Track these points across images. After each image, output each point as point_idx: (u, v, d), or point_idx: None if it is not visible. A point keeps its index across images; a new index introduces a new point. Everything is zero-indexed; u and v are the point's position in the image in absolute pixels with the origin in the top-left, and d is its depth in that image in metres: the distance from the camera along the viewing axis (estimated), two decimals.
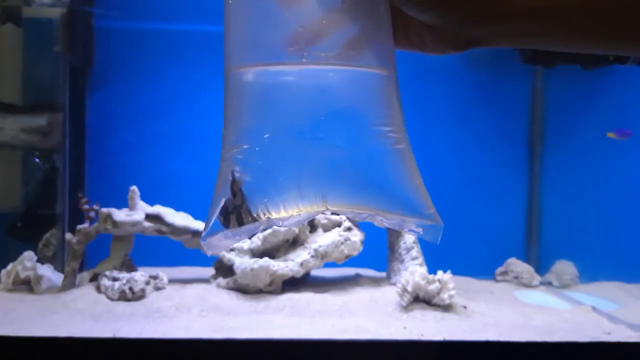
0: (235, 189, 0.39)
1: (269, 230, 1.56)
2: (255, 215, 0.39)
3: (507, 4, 0.37)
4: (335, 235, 1.59)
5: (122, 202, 1.59)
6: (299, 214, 0.39)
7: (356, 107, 0.39)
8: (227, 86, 0.40)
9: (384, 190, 0.40)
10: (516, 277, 1.89)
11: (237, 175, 0.39)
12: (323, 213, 0.38)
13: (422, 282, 1.38)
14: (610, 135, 1.78)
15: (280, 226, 0.41)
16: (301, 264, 1.52)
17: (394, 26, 0.42)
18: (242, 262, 1.49)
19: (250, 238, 1.59)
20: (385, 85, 0.41)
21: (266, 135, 0.39)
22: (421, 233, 0.43)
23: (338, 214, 0.41)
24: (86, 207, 1.57)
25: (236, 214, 0.39)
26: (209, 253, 0.42)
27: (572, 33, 0.38)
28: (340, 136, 0.39)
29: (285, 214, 0.38)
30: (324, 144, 0.39)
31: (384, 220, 0.41)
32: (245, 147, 0.39)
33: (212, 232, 0.41)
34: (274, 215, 0.38)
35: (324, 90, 0.39)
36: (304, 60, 0.38)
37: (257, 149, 0.39)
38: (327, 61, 0.38)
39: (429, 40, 0.42)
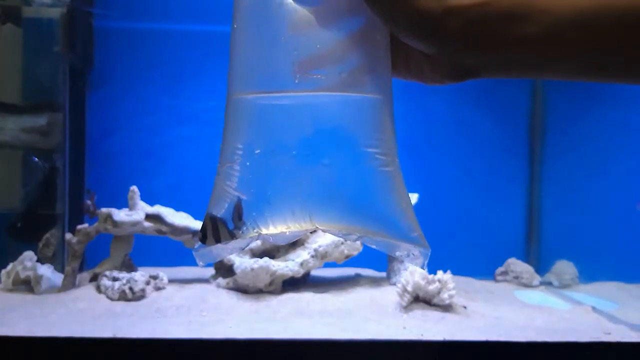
0: (239, 212, 0.40)
1: None
2: (242, 230, 0.40)
3: (501, 33, 0.37)
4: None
5: (122, 202, 1.59)
6: (288, 231, 0.39)
7: (346, 127, 0.40)
8: (228, 108, 0.42)
9: (370, 212, 0.40)
10: (516, 277, 1.89)
11: (241, 198, 0.40)
12: (312, 232, 0.38)
13: (422, 282, 1.38)
14: None
15: (269, 242, 0.42)
16: (301, 264, 1.52)
17: (394, 56, 0.42)
18: (242, 262, 1.49)
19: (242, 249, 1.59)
20: (378, 109, 0.41)
21: (257, 151, 0.40)
22: (407, 258, 0.43)
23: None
24: (89, 204, 1.57)
25: (217, 231, 0.40)
26: (200, 264, 0.43)
27: (567, 64, 0.38)
28: (329, 155, 0.40)
29: (274, 230, 0.39)
30: (312, 162, 0.39)
31: (372, 243, 0.42)
32: (237, 161, 0.40)
33: (202, 246, 0.42)
34: (263, 230, 0.39)
35: (315, 110, 0.40)
36: (301, 87, 0.39)
37: (247, 164, 0.40)
38: (323, 87, 0.39)
39: (427, 70, 0.43)
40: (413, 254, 0.43)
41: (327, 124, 0.40)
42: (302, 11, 0.39)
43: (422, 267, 0.44)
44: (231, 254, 0.45)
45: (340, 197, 0.40)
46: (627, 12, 0.35)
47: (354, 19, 0.40)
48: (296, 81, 0.39)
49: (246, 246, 0.41)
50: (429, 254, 0.42)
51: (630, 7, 0.35)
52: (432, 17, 0.37)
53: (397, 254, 0.43)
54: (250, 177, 0.40)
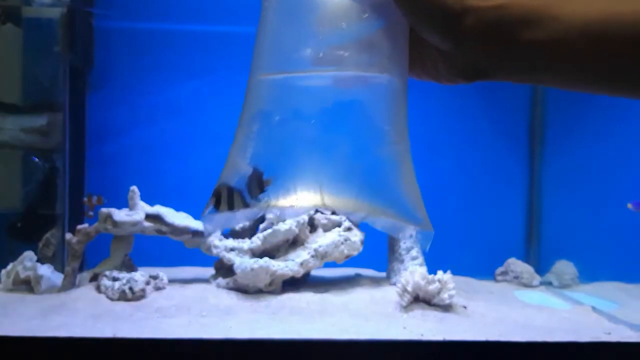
0: (259, 181, 0.41)
1: (269, 230, 1.56)
2: (256, 199, 0.41)
3: (513, 36, 0.39)
4: (335, 235, 1.59)
5: (122, 202, 1.59)
6: (297, 205, 0.41)
7: (364, 103, 0.42)
8: (250, 87, 0.44)
9: (380, 188, 0.42)
10: (516, 277, 1.89)
11: (259, 168, 0.41)
12: (320, 211, 0.39)
13: (422, 282, 1.38)
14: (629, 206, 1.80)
15: (277, 216, 0.44)
16: (301, 264, 1.52)
17: (412, 54, 0.45)
18: (242, 262, 1.49)
19: (250, 237, 1.59)
20: (394, 91, 0.43)
21: (277, 118, 0.42)
22: (410, 239, 0.45)
23: (335, 213, 0.42)
24: (87, 200, 1.57)
25: (231, 199, 0.42)
26: (207, 230, 0.45)
27: (574, 73, 0.39)
28: (346, 126, 0.42)
29: (284, 202, 0.40)
30: (330, 131, 0.41)
31: (376, 223, 0.43)
32: (255, 130, 0.42)
33: (213, 211, 0.43)
34: (273, 202, 0.40)
35: (336, 84, 0.42)
36: (325, 66, 0.42)
37: (265, 132, 0.42)
38: (345, 66, 0.42)
39: (442, 68, 0.45)
40: (415, 235, 0.45)
41: (346, 97, 0.42)
42: (330, 1, 0.42)
43: (425, 250, 0.46)
44: (237, 224, 0.47)
45: (353, 170, 0.41)
46: (634, 29, 0.35)
47: (378, 10, 0.42)
48: (320, 61, 0.41)
49: (254, 218, 0.43)
50: (432, 236, 0.44)
51: (638, 22, 0.35)
52: (451, 13, 0.40)
53: (400, 235, 0.45)
54: (267, 146, 0.42)
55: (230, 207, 0.41)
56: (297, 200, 0.40)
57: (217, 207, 0.42)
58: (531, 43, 0.39)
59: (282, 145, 0.41)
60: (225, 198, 0.41)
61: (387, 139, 0.42)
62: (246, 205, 0.41)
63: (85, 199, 1.58)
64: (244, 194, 0.41)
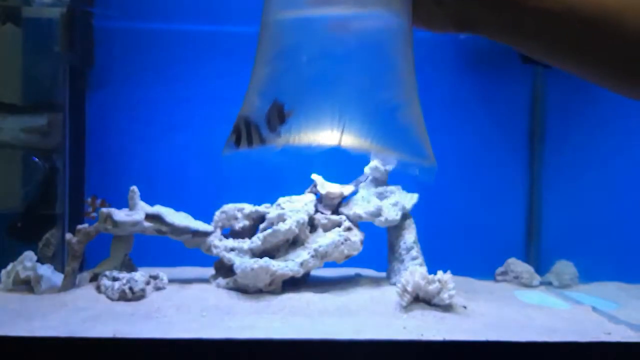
0: (280, 113, 0.42)
1: (269, 230, 1.56)
2: (271, 134, 0.42)
3: None
4: (335, 235, 1.59)
5: (122, 202, 1.59)
6: (314, 143, 0.42)
7: (380, 42, 0.44)
8: (264, 30, 0.45)
9: (392, 129, 0.45)
10: (516, 277, 1.89)
11: (280, 101, 0.43)
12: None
13: (422, 282, 1.38)
14: None
15: (294, 149, 0.45)
16: (301, 264, 1.52)
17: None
18: (242, 262, 1.49)
19: (250, 237, 1.59)
20: (401, 28, 0.45)
21: (297, 56, 0.44)
22: (414, 171, 0.47)
23: (349, 151, 0.45)
24: (90, 202, 1.57)
25: (250, 135, 0.42)
26: (226, 166, 0.46)
27: (554, 44, 0.42)
28: (362, 59, 0.44)
29: (298, 138, 0.41)
30: (345, 72, 0.43)
31: (385, 159, 0.46)
32: (273, 66, 0.44)
33: (233, 148, 0.46)
34: (291, 137, 0.41)
35: (347, 21, 0.44)
36: (338, 5, 0.44)
37: (284, 67, 0.44)
38: (356, 6, 0.44)
39: (436, 15, 0.47)
40: (421, 172, 0.47)
41: (363, 37, 0.44)
42: None
43: (430, 183, 0.49)
44: (255, 150, 0.48)
45: (369, 109, 0.43)
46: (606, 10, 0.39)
47: None
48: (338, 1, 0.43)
49: (272, 151, 0.45)
50: (435, 169, 0.46)
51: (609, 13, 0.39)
52: None
53: (408, 170, 0.47)
54: (287, 79, 0.44)
55: (250, 142, 0.42)
56: (316, 137, 0.41)
57: (237, 143, 0.42)
58: (521, 4, 0.40)
59: (301, 81, 0.43)
60: (245, 134, 0.42)
61: (403, 70, 0.44)
62: (263, 140, 0.42)
63: (89, 200, 1.58)
64: (261, 128, 0.41)
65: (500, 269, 1.93)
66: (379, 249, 1.69)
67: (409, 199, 1.67)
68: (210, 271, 1.64)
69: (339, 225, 1.64)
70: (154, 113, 1.97)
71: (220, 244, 1.59)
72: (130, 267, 1.59)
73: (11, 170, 1.71)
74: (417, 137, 0.46)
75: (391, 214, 1.63)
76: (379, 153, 0.45)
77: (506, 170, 2.06)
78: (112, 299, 1.42)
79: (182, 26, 1.96)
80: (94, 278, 1.54)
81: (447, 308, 1.39)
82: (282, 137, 0.42)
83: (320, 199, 1.71)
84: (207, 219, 1.66)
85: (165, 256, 1.71)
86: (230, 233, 1.68)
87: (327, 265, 1.59)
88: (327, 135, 0.42)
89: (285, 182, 1.79)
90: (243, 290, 1.50)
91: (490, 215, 2.03)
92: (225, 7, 1.95)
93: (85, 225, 1.55)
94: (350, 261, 1.62)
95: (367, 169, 1.75)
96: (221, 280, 1.55)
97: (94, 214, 1.60)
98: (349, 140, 0.43)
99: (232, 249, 1.57)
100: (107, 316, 1.30)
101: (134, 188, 1.59)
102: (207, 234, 1.62)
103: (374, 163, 1.71)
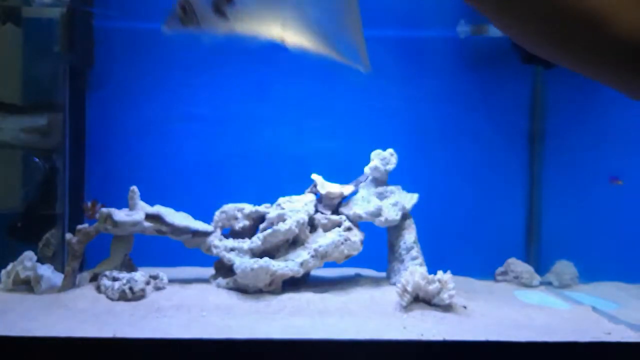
0: None
1: (269, 230, 1.56)
2: (218, 15, 0.43)
3: None
4: (335, 235, 1.59)
5: (122, 202, 1.59)
6: (257, 35, 0.43)
7: None
8: None
9: (331, 31, 0.46)
10: (516, 277, 1.89)
11: None
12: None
13: (422, 282, 1.38)
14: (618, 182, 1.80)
15: (233, 34, 0.45)
16: (301, 264, 1.52)
17: None
18: (242, 262, 1.49)
19: (250, 237, 1.59)
20: None
21: None
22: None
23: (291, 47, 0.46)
24: (89, 205, 1.57)
25: (196, 11, 0.43)
26: (165, 32, 0.46)
27: (537, 34, 0.43)
28: None
29: (243, 26, 0.42)
30: None
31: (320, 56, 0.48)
32: None
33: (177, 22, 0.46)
34: (238, 22, 0.42)
35: None
36: None
37: None
38: None
39: None
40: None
41: None
42: None
43: (365, 73, 0.53)
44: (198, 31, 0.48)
45: (313, 7, 0.44)
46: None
47: None
48: None
49: (209, 32, 0.45)
50: (370, 72, 0.49)
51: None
52: None
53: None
54: None
55: (196, 21, 0.42)
56: (260, 28, 0.42)
57: (183, 20, 0.43)
58: None
59: None
60: (192, 11, 0.42)
61: None
62: (208, 20, 0.42)
63: (89, 204, 1.57)
64: (207, 9, 0.41)
65: (500, 269, 1.93)
66: (379, 249, 1.69)
67: (409, 199, 1.67)
68: (210, 271, 1.64)
69: (339, 225, 1.64)
70: (154, 113, 1.97)
71: (220, 244, 1.59)
72: (130, 267, 1.59)
73: (11, 170, 1.71)
74: (354, 44, 0.48)
75: (391, 214, 1.63)
76: (319, 52, 0.47)
77: (506, 170, 2.06)
78: (112, 299, 1.42)
79: None
80: (94, 278, 1.54)
81: (447, 308, 1.39)
82: (229, 22, 0.42)
83: (320, 199, 1.71)
84: (207, 219, 1.66)
85: (165, 256, 1.71)
86: (230, 233, 1.68)
87: (327, 265, 1.59)
88: (271, 29, 0.43)
89: (285, 182, 1.79)
90: (243, 290, 1.50)
91: (490, 215, 2.03)
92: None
93: (85, 225, 1.55)
94: (350, 261, 1.62)
95: (367, 169, 1.75)
96: (221, 280, 1.55)
97: (97, 215, 1.60)
98: (292, 37, 0.44)
99: (232, 249, 1.57)
100: (107, 316, 1.30)
101: (134, 188, 1.59)
102: (207, 234, 1.62)
103: (374, 163, 1.71)
